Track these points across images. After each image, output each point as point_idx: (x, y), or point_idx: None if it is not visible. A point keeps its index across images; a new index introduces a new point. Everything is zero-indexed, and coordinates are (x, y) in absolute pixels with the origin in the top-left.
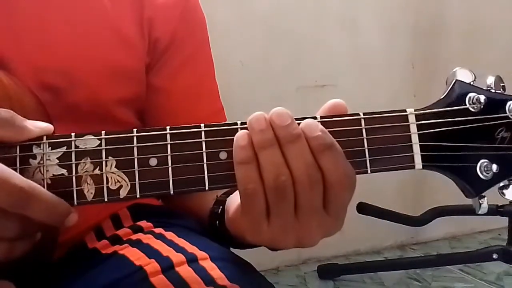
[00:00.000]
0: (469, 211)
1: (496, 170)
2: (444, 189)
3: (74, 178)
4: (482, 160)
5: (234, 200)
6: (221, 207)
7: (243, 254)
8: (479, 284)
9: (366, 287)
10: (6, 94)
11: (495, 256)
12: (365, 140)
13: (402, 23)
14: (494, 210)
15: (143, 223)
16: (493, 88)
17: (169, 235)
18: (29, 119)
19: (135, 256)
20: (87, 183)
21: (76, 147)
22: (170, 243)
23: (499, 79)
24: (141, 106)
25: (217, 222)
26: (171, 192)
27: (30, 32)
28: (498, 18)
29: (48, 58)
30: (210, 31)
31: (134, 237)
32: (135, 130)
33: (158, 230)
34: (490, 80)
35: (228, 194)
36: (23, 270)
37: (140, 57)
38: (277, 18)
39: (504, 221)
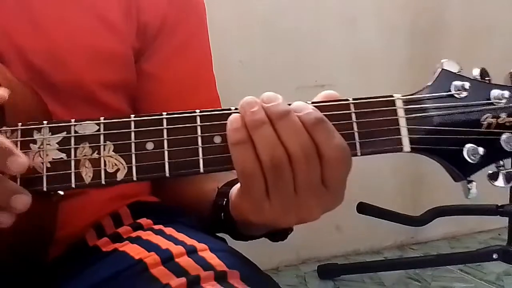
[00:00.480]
0: (468, 211)
1: (483, 154)
2: (444, 189)
3: (72, 161)
4: (468, 145)
5: (236, 186)
6: (225, 199)
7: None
8: (479, 284)
9: (366, 287)
10: (9, 86)
11: (495, 256)
12: (354, 124)
13: (401, 23)
14: (494, 210)
15: (143, 221)
16: (479, 79)
17: (169, 230)
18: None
19: (135, 251)
20: (85, 167)
21: (76, 132)
22: (170, 237)
23: (484, 72)
24: (132, 93)
25: (222, 214)
26: (167, 174)
27: (15, 14)
28: (498, 18)
29: (32, 38)
30: (209, 30)
31: (134, 234)
32: (132, 115)
33: (158, 226)
34: (476, 72)
35: (230, 185)
36: (19, 267)
37: (127, 41)
38: (277, 17)
39: (504, 221)
